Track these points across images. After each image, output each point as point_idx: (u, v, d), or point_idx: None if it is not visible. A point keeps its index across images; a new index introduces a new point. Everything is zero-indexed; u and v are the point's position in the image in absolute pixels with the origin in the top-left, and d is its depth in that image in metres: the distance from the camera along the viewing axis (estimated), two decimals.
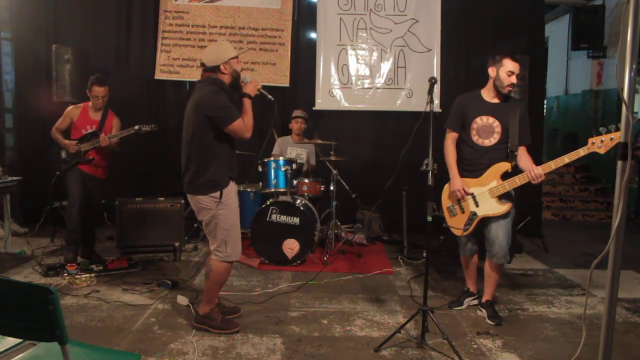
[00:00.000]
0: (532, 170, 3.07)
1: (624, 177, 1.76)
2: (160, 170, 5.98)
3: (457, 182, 3.32)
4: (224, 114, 2.92)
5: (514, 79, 3.23)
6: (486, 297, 3.47)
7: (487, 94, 3.36)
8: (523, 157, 3.22)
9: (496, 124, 3.28)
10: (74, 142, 4.39)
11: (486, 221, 3.33)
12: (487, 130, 3.30)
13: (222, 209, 3.01)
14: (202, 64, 3.06)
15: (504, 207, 3.22)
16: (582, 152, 2.94)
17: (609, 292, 1.81)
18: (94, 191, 4.48)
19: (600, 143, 2.85)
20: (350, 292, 3.92)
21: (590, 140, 2.90)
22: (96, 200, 4.56)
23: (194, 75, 5.98)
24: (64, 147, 4.41)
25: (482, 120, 3.31)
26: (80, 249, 4.49)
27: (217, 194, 2.99)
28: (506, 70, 3.22)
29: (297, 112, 5.52)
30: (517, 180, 3.15)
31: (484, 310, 3.44)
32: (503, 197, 3.24)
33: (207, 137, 2.94)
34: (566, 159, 3.02)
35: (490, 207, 3.25)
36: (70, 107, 4.50)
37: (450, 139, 3.43)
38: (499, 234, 3.26)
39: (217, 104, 2.92)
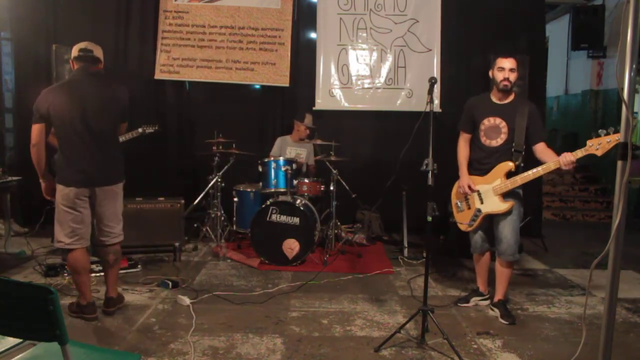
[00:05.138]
0: (563, 157, 3.01)
1: (624, 177, 1.76)
2: (160, 169, 5.98)
3: (463, 179, 3.46)
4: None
5: (505, 74, 3.31)
6: (498, 296, 3.49)
7: (495, 96, 3.44)
8: (545, 154, 3.21)
9: (503, 125, 3.35)
10: None
11: (495, 219, 3.39)
12: (494, 131, 3.38)
13: None
14: (97, 57, 3.23)
15: (505, 205, 3.30)
16: (579, 153, 2.97)
17: (609, 292, 1.81)
18: None
19: (598, 145, 2.88)
20: (350, 292, 3.92)
21: (588, 143, 2.93)
22: None
23: (194, 75, 5.97)
24: None
25: (489, 122, 3.40)
26: None
27: None
28: (497, 67, 3.33)
29: (308, 122, 5.45)
30: (519, 179, 3.22)
31: (496, 310, 3.45)
32: (506, 196, 3.31)
33: (117, 127, 3.34)
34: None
35: (493, 204, 3.34)
36: None
37: (462, 140, 3.56)
38: (506, 231, 3.33)
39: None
